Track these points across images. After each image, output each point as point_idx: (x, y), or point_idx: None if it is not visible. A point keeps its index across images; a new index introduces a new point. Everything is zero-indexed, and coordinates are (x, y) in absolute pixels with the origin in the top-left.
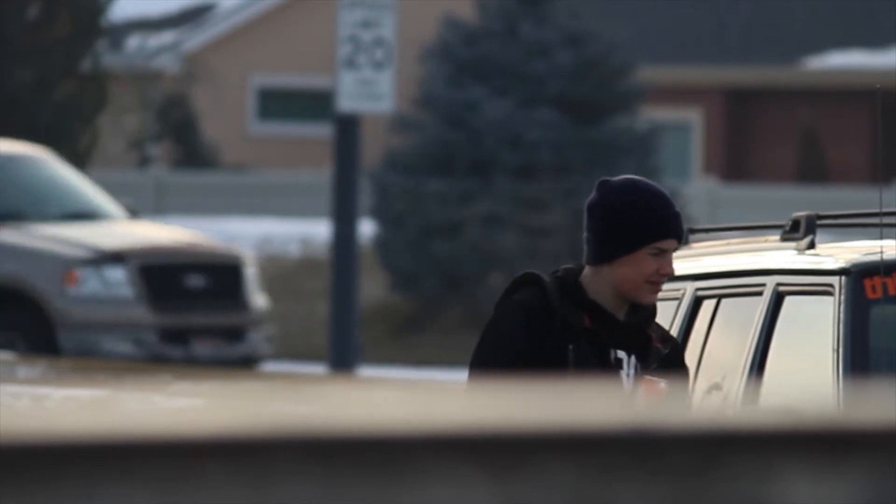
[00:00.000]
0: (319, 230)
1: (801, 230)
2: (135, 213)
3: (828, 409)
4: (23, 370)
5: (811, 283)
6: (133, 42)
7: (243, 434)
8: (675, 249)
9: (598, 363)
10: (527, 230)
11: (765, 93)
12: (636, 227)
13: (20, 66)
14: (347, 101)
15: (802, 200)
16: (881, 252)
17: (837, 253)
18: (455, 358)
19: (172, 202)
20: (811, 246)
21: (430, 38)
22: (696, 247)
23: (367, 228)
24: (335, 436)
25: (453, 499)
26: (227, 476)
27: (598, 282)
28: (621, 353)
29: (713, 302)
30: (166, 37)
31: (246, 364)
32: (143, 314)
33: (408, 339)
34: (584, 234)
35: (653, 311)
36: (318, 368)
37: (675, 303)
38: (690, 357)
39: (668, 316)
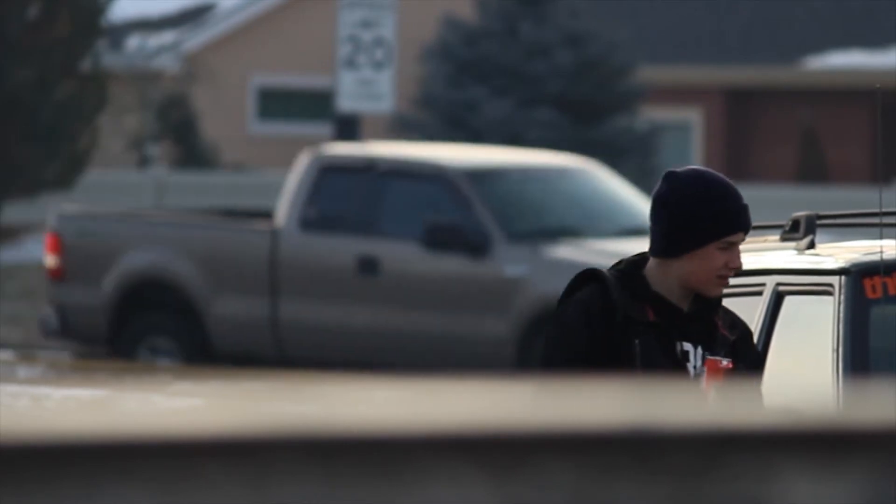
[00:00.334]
0: None
1: (801, 230)
2: None
3: (828, 409)
4: (23, 370)
5: (811, 283)
6: (133, 42)
7: (243, 434)
8: (742, 241)
9: (665, 357)
10: None
11: (765, 93)
12: (706, 221)
13: (20, 66)
14: (347, 101)
15: (802, 200)
16: (881, 252)
17: (837, 253)
18: None
19: (172, 202)
20: (811, 246)
21: (430, 38)
22: None
23: None
24: (335, 436)
25: (453, 499)
26: (227, 476)
27: (664, 274)
28: (687, 346)
29: None
30: (166, 37)
31: None
32: None
33: None
34: (650, 226)
35: (718, 299)
36: None
37: None
38: None
39: None
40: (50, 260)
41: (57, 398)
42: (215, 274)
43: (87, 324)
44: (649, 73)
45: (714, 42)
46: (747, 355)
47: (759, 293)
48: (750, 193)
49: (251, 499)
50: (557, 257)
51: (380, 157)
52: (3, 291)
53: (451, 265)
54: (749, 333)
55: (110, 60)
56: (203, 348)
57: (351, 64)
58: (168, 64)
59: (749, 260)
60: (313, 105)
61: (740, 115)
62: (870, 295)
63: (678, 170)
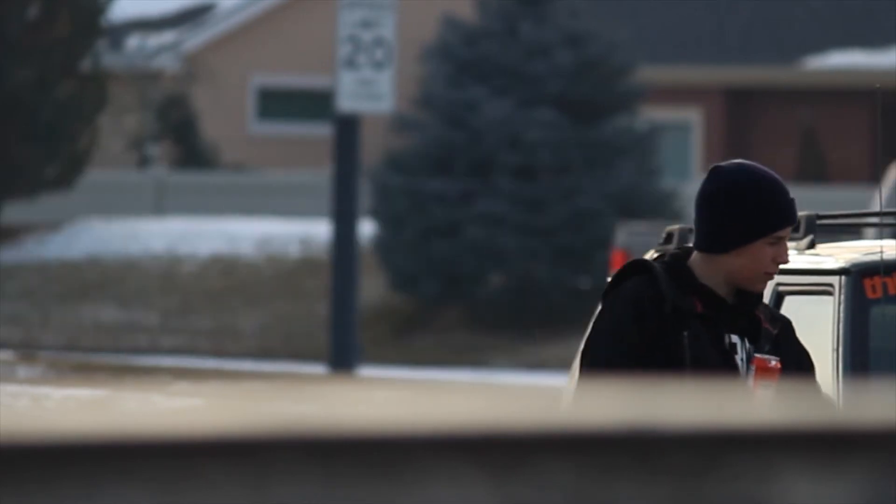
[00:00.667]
0: (319, 230)
1: (801, 230)
2: None
3: (828, 409)
4: (23, 370)
5: (811, 283)
6: (133, 42)
7: (243, 434)
8: (788, 236)
9: (713, 349)
10: (526, 230)
11: (765, 93)
12: (755, 218)
13: (20, 66)
14: (347, 101)
15: (802, 200)
16: (881, 252)
17: (837, 253)
18: (455, 358)
19: (172, 202)
20: (811, 246)
21: (430, 38)
22: None
23: (367, 228)
24: (335, 436)
25: (453, 499)
26: (227, 476)
27: (710, 268)
28: (734, 338)
29: None
30: (166, 37)
31: None
32: None
33: (408, 339)
34: (696, 221)
35: (760, 294)
36: (318, 368)
37: None
38: None
39: None
40: None
41: (57, 398)
42: None
43: None
44: (649, 73)
45: (714, 42)
46: (791, 348)
47: None
48: None
49: (251, 499)
50: None
51: None
52: (3, 291)
53: None
54: (790, 326)
55: (110, 60)
56: None
57: (351, 64)
58: (168, 64)
59: None
60: (313, 105)
61: (740, 115)
62: (870, 295)
63: (724, 165)
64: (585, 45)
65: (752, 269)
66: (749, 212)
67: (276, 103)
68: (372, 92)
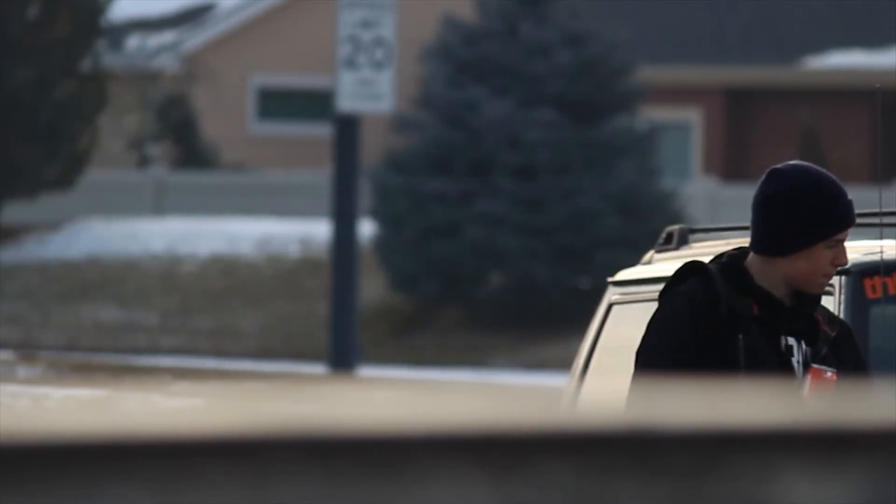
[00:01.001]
0: (319, 230)
1: None
2: None
3: (828, 409)
4: (23, 370)
5: None
6: (133, 42)
7: (243, 434)
8: (847, 237)
9: (769, 352)
10: (527, 230)
11: (765, 93)
12: (814, 221)
13: (20, 66)
14: (347, 101)
15: None
16: (881, 252)
17: None
18: (455, 358)
19: (172, 202)
20: None
21: (430, 38)
22: (696, 247)
23: (367, 228)
24: (335, 436)
25: (453, 499)
26: (227, 476)
27: (768, 270)
28: (791, 340)
29: None
30: (166, 37)
31: None
32: None
33: (408, 339)
34: (753, 223)
35: (819, 295)
36: (318, 368)
37: None
38: None
39: None
40: None
41: (57, 398)
42: None
43: None
44: (649, 73)
45: (714, 42)
46: (849, 351)
47: None
48: (750, 193)
49: (251, 499)
50: None
51: None
52: (3, 291)
53: None
54: (850, 331)
55: (110, 60)
56: None
57: (351, 64)
58: (168, 64)
59: None
60: (313, 105)
61: (740, 115)
62: (870, 295)
63: (782, 167)
64: (585, 45)
65: (811, 272)
66: (807, 216)
67: (276, 103)
68: (372, 92)
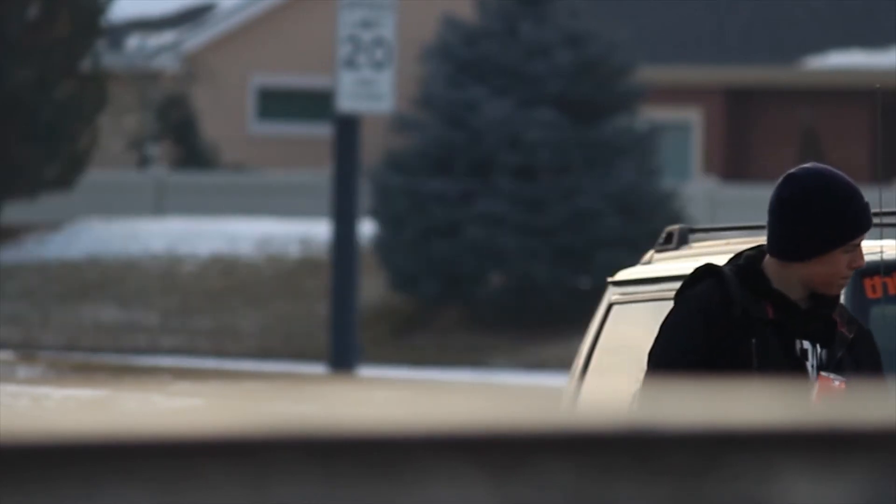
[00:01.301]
0: (319, 230)
1: None
2: None
3: (828, 409)
4: (23, 370)
5: None
6: (133, 42)
7: (243, 434)
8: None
9: (783, 356)
10: (527, 230)
11: (765, 93)
12: (832, 227)
13: (20, 66)
14: (347, 101)
15: None
16: (881, 252)
17: None
18: (455, 358)
19: (172, 202)
20: None
21: (430, 38)
22: (696, 247)
23: (367, 228)
24: (335, 436)
25: (453, 499)
26: (227, 476)
27: (784, 273)
28: (806, 344)
29: None
30: (166, 37)
31: None
32: None
33: (408, 339)
34: (769, 226)
35: (837, 297)
36: (318, 368)
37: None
38: None
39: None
40: None
41: (57, 398)
42: None
43: None
44: (649, 73)
45: (714, 42)
46: (866, 352)
47: None
48: (750, 193)
49: (251, 499)
50: None
51: None
52: (3, 291)
53: None
54: (868, 333)
55: (110, 60)
56: None
57: (351, 64)
58: (168, 64)
59: None
60: (313, 105)
61: (740, 115)
62: (870, 295)
63: (797, 171)
64: (585, 45)
65: (828, 276)
66: (824, 222)
67: (276, 103)
68: (372, 92)
